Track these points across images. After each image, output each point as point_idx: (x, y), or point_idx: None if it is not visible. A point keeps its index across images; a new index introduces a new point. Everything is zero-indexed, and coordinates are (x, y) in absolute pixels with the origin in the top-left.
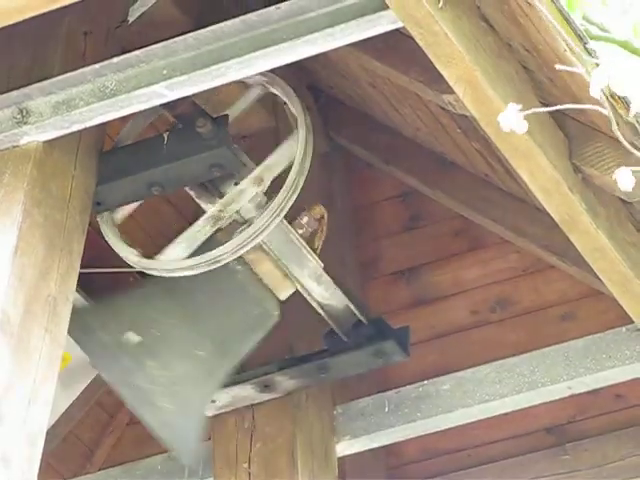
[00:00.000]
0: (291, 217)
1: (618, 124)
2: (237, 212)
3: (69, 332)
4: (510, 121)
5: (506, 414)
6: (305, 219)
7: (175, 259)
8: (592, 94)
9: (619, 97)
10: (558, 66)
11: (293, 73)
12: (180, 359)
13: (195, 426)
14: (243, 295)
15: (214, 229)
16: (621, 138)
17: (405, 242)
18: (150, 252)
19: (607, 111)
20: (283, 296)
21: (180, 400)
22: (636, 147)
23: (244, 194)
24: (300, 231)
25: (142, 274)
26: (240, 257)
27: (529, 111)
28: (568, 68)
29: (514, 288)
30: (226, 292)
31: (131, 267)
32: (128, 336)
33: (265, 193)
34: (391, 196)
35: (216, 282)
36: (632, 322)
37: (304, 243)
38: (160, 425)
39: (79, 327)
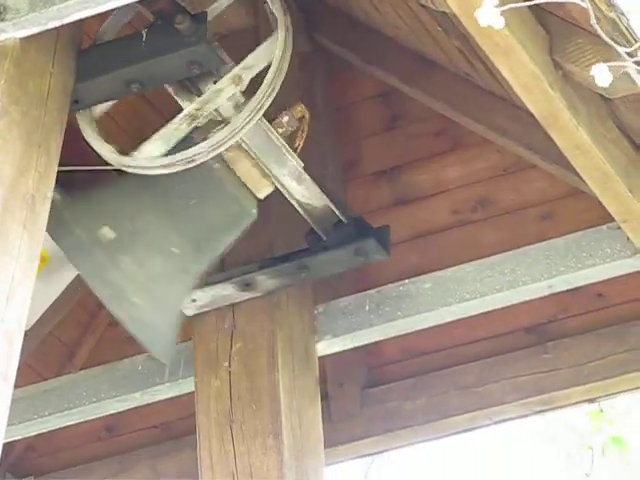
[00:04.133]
0: (272, 116)
1: (599, 19)
2: (215, 111)
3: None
4: (487, 16)
5: (487, 313)
6: (286, 118)
7: (151, 157)
8: None
9: None
10: None
11: None
12: (155, 256)
13: (170, 323)
14: (220, 193)
15: (191, 127)
16: (600, 32)
17: (386, 142)
18: (129, 151)
19: (586, 4)
20: (262, 195)
21: (154, 297)
22: (615, 41)
23: (222, 93)
24: (280, 130)
25: (121, 172)
26: (218, 155)
27: (506, 7)
28: None
29: (495, 187)
30: (203, 190)
31: (110, 165)
32: (103, 231)
33: (243, 93)
34: (372, 96)
35: (193, 179)
36: (612, 220)
37: (284, 142)
38: (133, 321)
39: (55, 221)
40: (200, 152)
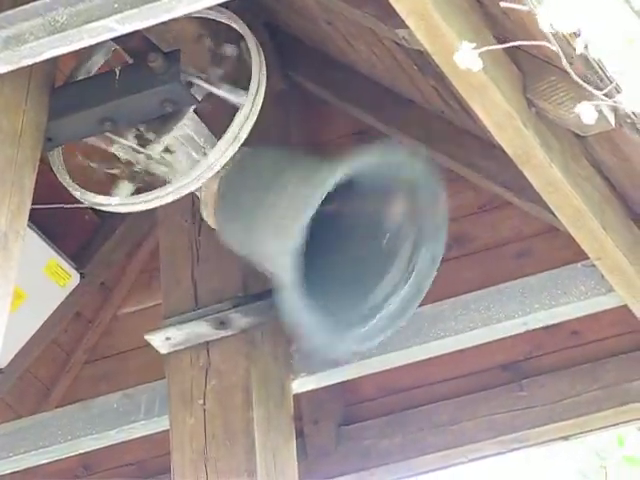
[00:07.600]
0: None
1: (572, 57)
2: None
3: None
4: (465, 59)
5: (462, 351)
6: None
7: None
8: (541, 28)
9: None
10: (503, 3)
11: (250, 10)
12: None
13: None
14: None
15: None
16: (571, 72)
17: None
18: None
19: (556, 47)
20: None
21: None
22: (588, 80)
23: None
24: None
25: (95, 210)
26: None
27: (483, 49)
28: (514, 5)
29: (471, 225)
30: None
31: (82, 203)
32: None
33: None
34: (347, 133)
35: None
36: (587, 258)
37: None
38: None
39: None
40: (162, 195)
